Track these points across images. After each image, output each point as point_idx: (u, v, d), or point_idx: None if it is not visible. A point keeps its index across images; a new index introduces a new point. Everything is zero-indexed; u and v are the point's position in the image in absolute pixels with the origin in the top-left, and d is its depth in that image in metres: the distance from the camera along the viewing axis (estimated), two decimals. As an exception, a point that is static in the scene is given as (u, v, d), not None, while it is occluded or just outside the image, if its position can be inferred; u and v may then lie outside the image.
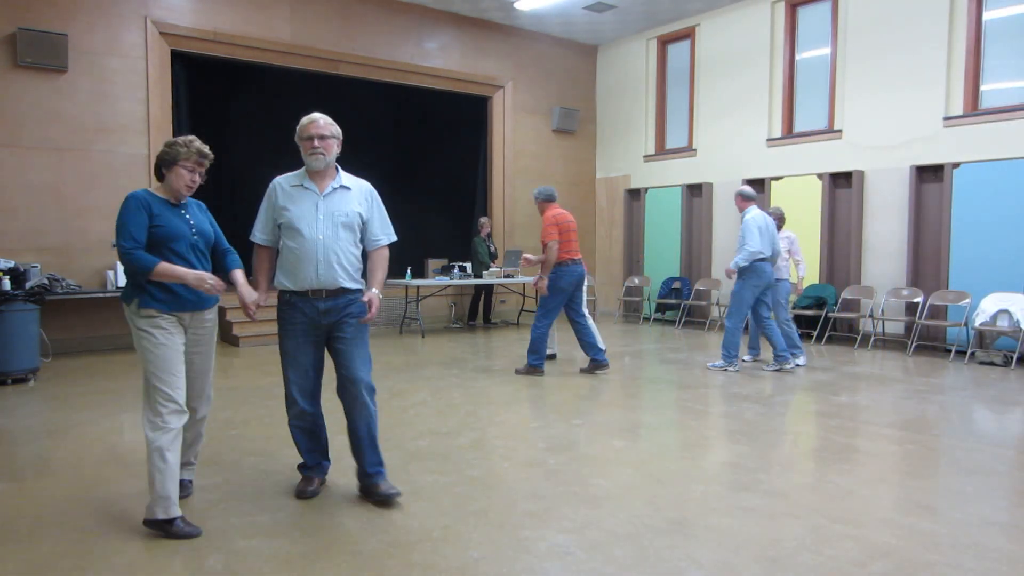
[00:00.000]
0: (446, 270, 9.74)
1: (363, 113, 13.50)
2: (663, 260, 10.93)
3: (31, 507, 3.28)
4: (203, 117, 9.26)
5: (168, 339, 2.97)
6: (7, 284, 6.12)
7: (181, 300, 3.01)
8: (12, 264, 6.47)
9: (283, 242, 3.26)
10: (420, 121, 13.56)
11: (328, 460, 3.55)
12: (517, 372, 6.54)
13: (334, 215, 3.21)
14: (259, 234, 3.34)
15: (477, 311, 10.57)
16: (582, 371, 6.61)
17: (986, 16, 7.82)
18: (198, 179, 3.12)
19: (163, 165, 3.08)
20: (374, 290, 3.32)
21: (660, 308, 10.74)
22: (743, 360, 7.08)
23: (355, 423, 3.31)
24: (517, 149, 11.44)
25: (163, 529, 2.92)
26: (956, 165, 7.74)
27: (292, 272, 3.20)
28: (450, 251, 11.35)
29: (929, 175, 8.11)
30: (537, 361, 6.47)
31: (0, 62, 7.26)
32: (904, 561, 2.73)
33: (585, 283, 6.72)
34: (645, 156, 11.56)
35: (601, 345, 6.54)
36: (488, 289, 10.52)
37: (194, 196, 3.23)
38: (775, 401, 5.63)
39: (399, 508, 3.25)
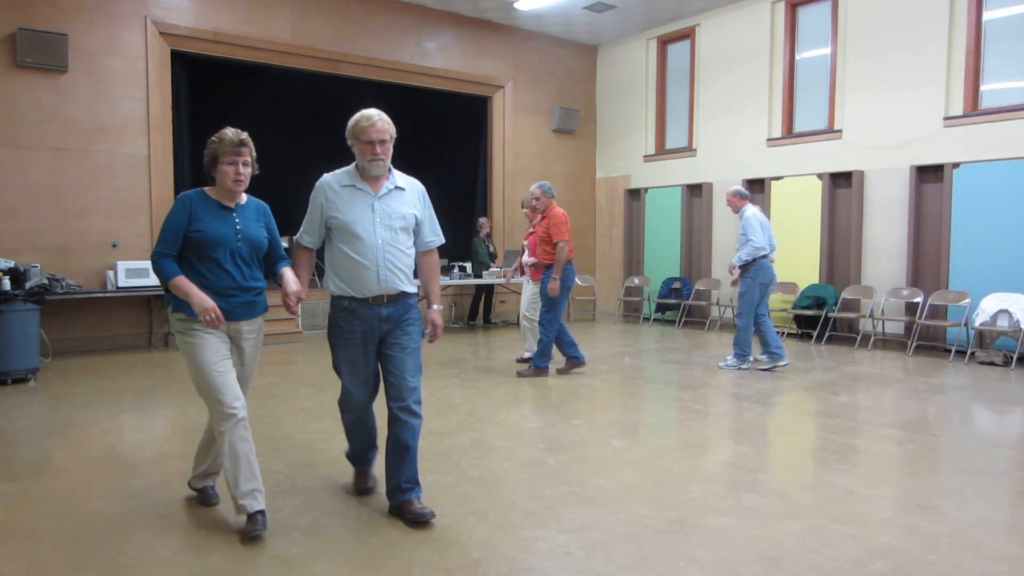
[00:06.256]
0: (446, 270, 9.73)
1: (363, 113, 13.54)
2: (663, 260, 10.93)
3: (31, 507, 3.28)
4: (203, 117, 9.21)
5: (201, 340, 2.86)
6: (7, 284, 6.12)
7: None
8: (12, 264, 6.47)
9: (335, 246, 3.06)
10: (420, 121, 13.53)
11: (376, 448, 3.47)
12: (520, 375, 6.42)
13: (391, 217, 3.03)
14: (307, 236, 3.14)
15: (478, 311, 10.58)
16: (559, 371, 6.51)
17: (986, 16, 7.81)
18: (245, 170, 2.93)
19: (209, 168, 2.94)
20: (436, 307, 3.25)
21: (660, 308, 10.73)
22: (756, 359, 6.84)
23: (400, 432, 3.08)
24: (517, 149, 11.43)
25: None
26: (956, 165, 7.74)
27: (350, 278, 3.01)
28: (450, 251, 11.33)
29: (929, 175, 8.10)
30: (543, 363, 6.39)
31: (0, 62, 7.26)
32: (904, 561, 2.73)
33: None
34: (645, 156, 11.55)
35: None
36: (488, 289, 10.53)
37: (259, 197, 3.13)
38: (775, 401, 5.63)
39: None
